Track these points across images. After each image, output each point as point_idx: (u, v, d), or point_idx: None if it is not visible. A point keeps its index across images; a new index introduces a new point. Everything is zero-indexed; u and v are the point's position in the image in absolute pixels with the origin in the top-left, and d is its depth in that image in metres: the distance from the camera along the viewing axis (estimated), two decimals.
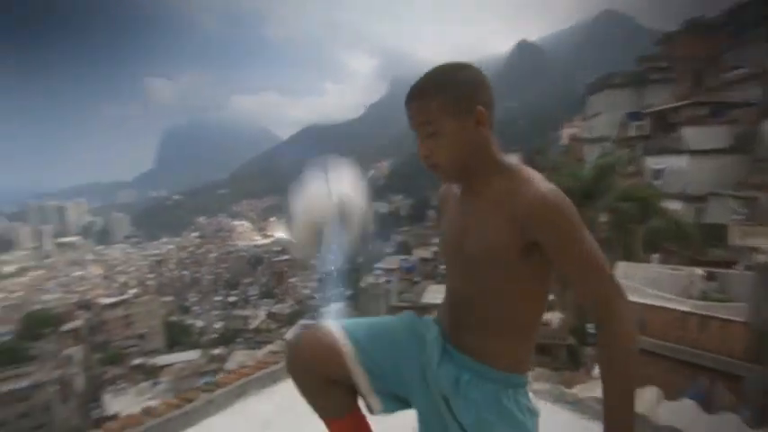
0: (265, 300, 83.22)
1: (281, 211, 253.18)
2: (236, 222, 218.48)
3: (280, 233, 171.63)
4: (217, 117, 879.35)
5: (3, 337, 70.89)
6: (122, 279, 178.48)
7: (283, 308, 65.24)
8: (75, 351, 60.73)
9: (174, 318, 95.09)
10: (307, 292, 76.76)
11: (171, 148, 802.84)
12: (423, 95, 1.01)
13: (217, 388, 3.02)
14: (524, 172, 1.02)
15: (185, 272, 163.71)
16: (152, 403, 3.13)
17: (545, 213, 0.91)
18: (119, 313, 77.01)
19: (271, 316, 64.70)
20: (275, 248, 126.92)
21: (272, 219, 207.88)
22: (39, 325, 72.06)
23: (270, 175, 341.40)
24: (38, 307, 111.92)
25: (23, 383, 40.28)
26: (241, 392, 3.05)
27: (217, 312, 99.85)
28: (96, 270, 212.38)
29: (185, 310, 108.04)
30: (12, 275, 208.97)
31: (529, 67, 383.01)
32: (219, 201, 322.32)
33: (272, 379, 3.20)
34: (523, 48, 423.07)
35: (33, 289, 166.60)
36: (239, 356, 43.63)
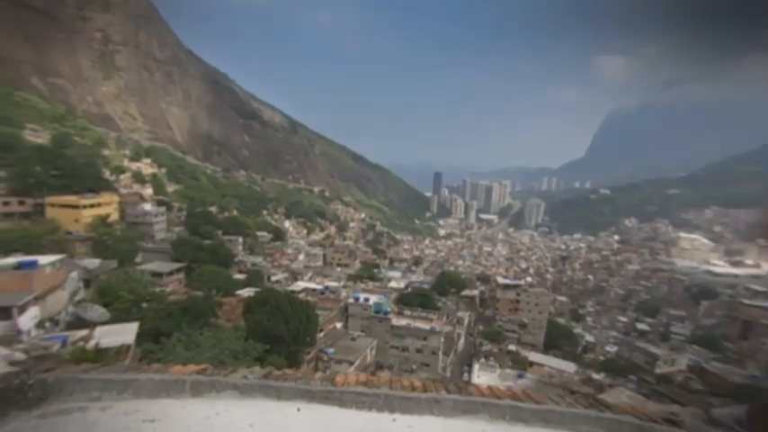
0: (697, 347, 68.72)
1: None
2: (684, 235, 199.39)
3: None
4: (685, 95, 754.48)
5: (424, 285, 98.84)
6: (523, 265, 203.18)
7: (729, 372, 50.41)
8: (467, 316, 75.82)
9: (562, 320, 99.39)
10: None
11: (609, 136, 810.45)
12: None
13: None
14: None
15: (590, 276, 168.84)
16: None
17: None
18: (510, 296, 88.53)
19: (697, 372, 52.61)
20: (752, 286, 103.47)
21: (760, 241, 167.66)
22: (448, 284, 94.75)
23: None
24: (452, 269, 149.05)
25: (426, 326, 53.46)
26: None
27: (615, 334, 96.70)
28: (503, 250, 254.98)
29: (578, 318, 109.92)
30: (443, 237, 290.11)
31: None
32: (663, 203, 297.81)
33: None
34: None
35: (453, 253, 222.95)
36: (622, 396, 38.99)
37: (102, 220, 60.06)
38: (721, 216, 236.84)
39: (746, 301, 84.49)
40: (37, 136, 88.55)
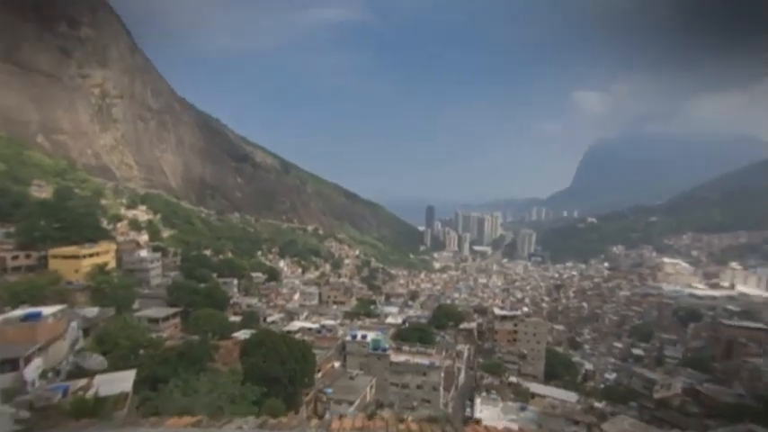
0: (690, 370, 68.61)
1: (757, 254, 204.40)
2: (668, 260, 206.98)
3: (746, 287, 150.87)
4: (661, 127, 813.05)
5: (421, 319, 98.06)
6: (519, 295, 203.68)
7: (720, 392, 50.09)
8: (466, 349, 74.98)
9: (560, 349, 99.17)
10: None
11: (593, 166, 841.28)
12: None
13: None
14: None
15: (584, 303, 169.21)
16: (513, 426, 2.28)
17: None
18: (508, 327, 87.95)
19: (692, 395, 52.10)
20: (729, 306, 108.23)
21: (732, 264, 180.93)
22: (446, 317, 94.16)
23: (741, 203, 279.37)
24: (448, 302, 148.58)
25: (425, 361, 52.82)
26: None
27: (613, 361, 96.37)
28: (498, 281, 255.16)
29: (575, 346, 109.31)
30: (438, 271, 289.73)
31: None
32: (646, 230, 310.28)
33: None
34: None
35: (449, 286, 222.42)
36: (624, 423, 38.61)
37: (101, 268, 60.65)
38: (696, 241, 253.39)
39: (726, 322, 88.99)
40: (41, 191, 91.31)
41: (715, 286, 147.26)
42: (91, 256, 61.85)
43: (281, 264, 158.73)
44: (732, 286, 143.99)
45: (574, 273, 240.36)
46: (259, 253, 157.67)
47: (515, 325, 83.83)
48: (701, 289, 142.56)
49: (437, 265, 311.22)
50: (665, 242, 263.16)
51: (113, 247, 71.27)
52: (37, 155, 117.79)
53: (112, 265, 67.10)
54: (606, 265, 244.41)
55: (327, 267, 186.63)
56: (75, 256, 59.74)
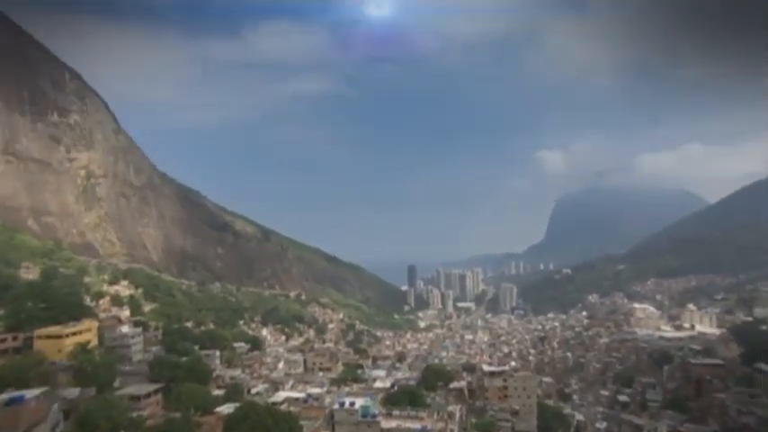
0: (670, 412, 69.21)
1: (706, 296, 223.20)
2: (637, 305, 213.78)
3: (702, 327, 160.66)
4: (616, 183, 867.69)
5: (410, 381, 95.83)
6: (506, 350, 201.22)
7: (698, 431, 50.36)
8: (457, 409, 72.95)
9: (550, 401, 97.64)
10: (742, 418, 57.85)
11: (562, 220, 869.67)
12: None
13: None
14: None
15: (569, 354, 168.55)
16: None
17: None
18: (497, 383, 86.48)
19: None
20: (693, 346, 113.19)
21: (690, 306, 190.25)
22: (435, 378, 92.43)
23: (689, 250, 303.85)
24: (436, 361, 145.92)
25: (417, 425, 51.36)
26: None
27: (601, 409, 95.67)
28: (484, 336, 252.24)
29: (565, 397, 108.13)
30: (424, 330, 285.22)
31: None
32: (616, 278, 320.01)
33: None
34: None
35: (436, 345, 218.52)
36: None
37: (83, 347, 59.38)
38: (658, 286, 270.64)
39: (693, 361, 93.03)
40: (29, 272, 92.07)
41: (679, 327, 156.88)
42: (74, 334, 60.86)
43: (264, 332, 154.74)
44: (692, 327, 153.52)
45: (556, 323, 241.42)
46: (241, 322, 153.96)
47: (505, 381, 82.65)
48: (669, 331, 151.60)
49: (422, 324, 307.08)
50: (633, 288, 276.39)
51: (95, 324, 70.09)
52: (27, 238, 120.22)
53: (95, 342, 65.76)
54: (584, 313, 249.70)
55: (311, 333, 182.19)
56: (59, 336, 58.77)
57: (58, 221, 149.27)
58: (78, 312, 71.38)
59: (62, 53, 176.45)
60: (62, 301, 71.51)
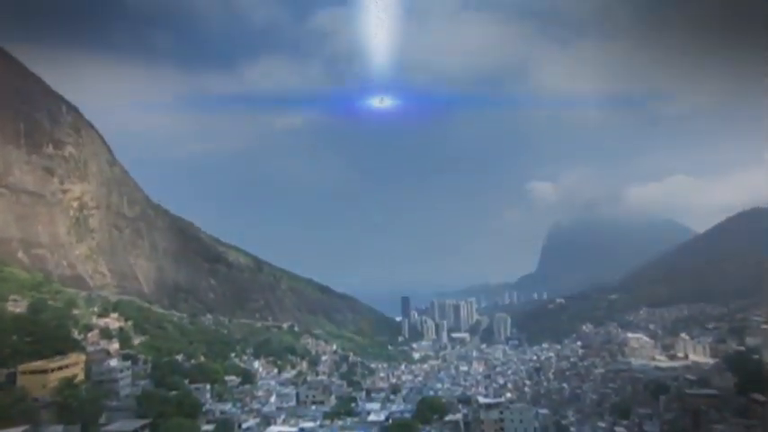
0: None
1: (697, 326, 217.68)
2: (631, 335, 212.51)
3: (696, 356, 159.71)
4: (606, 213, 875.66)
5: (404, 414, 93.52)
6: (501, 381, 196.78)
7: None
8: None
9: None
10: None
11: (554, 250, 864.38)
12: None
13: None
14: None
15: (565, 384, 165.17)
16: None
17: None
18: (493, 416, 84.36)
19: None
20: (688, 376, 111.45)
21: (682, 335, 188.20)
22: (429, 410, 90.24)
23: (679, 279, 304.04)
24: (431, 393, 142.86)
25: None
26: None
27: None
28: (479, 367, 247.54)
29: (562, 429, 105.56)
30: (418, 361, 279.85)
31: None
32: (609, 308, 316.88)
33: None
34: None
35: (430, 376, 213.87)
36: None
37: (69, 381, 57.49)
38: (651, 315, 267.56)
39: (689, 391, 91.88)
40: (17, 305, 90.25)
41: (673, 357, 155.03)
42: (60, 369, 59.08)
43: (256, 364, 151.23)
44: (686, 356, 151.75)
45: (551, 354, 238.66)
46: (233, 354, 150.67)
47: (501, 413, 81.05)
48: (663, 361, 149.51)
49: (416, 356, 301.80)
50: (626, 318, 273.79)
51: (83, 358, 68.36)
52: (16, 270, 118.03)
53: (81, 377, 63.87)
54: (579, 343, 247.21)
55: (304, 365, 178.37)
56: (44, 371, 57.00)
57: (48, 253, 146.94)
58: (65, 346, 69.65)
59: (59, 86, 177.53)
60: (49, 335, 69.95)
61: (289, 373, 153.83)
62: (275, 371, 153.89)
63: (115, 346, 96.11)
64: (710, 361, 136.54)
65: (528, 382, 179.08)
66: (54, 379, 56.95)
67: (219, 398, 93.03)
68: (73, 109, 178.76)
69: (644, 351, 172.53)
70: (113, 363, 75.27)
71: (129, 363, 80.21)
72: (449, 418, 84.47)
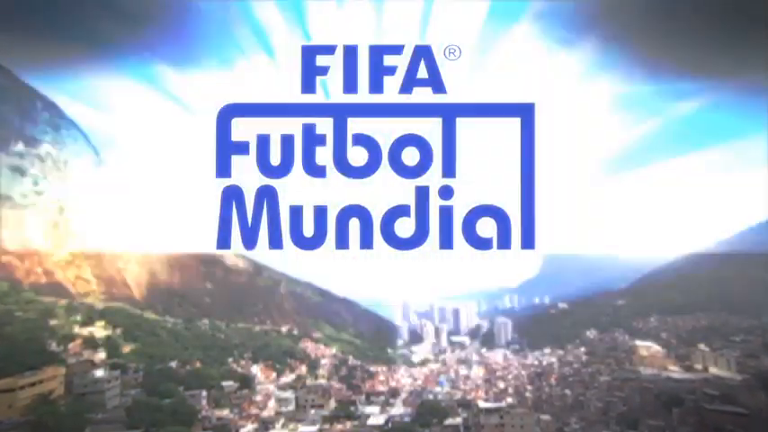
0: None
1: (719, 337, 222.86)
2: (640, 343, 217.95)
3: (718, 370, 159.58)
4: None
5: (404, 418, 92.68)
6: (501, 385, 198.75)
7: None
8: None
9: None
10: None
11: (556, 253, 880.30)
12: None
13: None
14: None
15: (567, 391, 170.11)
16: None
17: None
18: (493, 421, 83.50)
19: None
20: (707, 390, 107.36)
21: (701, 346, 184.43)
22: (430, 414, 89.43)
23: (697, 285, 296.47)
24: (431, 397, 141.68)
25: None
26: None
27: None
28: (479, 371, 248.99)
29: None
30: (418, 364, 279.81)
31: None
32: (615, 313, 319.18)
33: None
34: None
35: (430, 380, 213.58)
36: None
37: (44, 398, 54.52)
38: (663, 323, 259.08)
39: (708, 407, 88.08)
40: None
41: (689, 369, 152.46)
42: (32, 385, 55.81)
43: (254, 369, 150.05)
44: (705, 369, 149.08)
45: (553, 359, 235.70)
46: (230, 359, 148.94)
47: (501, 417, 79.44)
48: (677, 372, 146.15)
49: (416, 359, 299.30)
50: (634, 325, 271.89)
51: (61, 371, 65.35)
52: None
53: (60, 391, 61.47)
54: (583, 349, 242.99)
55: (303, 369, 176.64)
56: (11, 389, 53.50)
57: (16, 260, 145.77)
58: (38, 360, 67.17)
59: (36, 81, 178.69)
60: (18, 349, 67.78)
61: (288, 378, 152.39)
62: (274, 375, 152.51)
63: (101, 355, 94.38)
64: (737, 377, 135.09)
65: (529, 388, 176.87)
66: (24, 397, 53.48)
67: (216, 404, 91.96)
68: (50, 105, 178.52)
69: (654, 360, 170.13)
70: (99, 373, 73.13)
71: (117, 372, 78.43)
72: (448, 422, 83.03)
